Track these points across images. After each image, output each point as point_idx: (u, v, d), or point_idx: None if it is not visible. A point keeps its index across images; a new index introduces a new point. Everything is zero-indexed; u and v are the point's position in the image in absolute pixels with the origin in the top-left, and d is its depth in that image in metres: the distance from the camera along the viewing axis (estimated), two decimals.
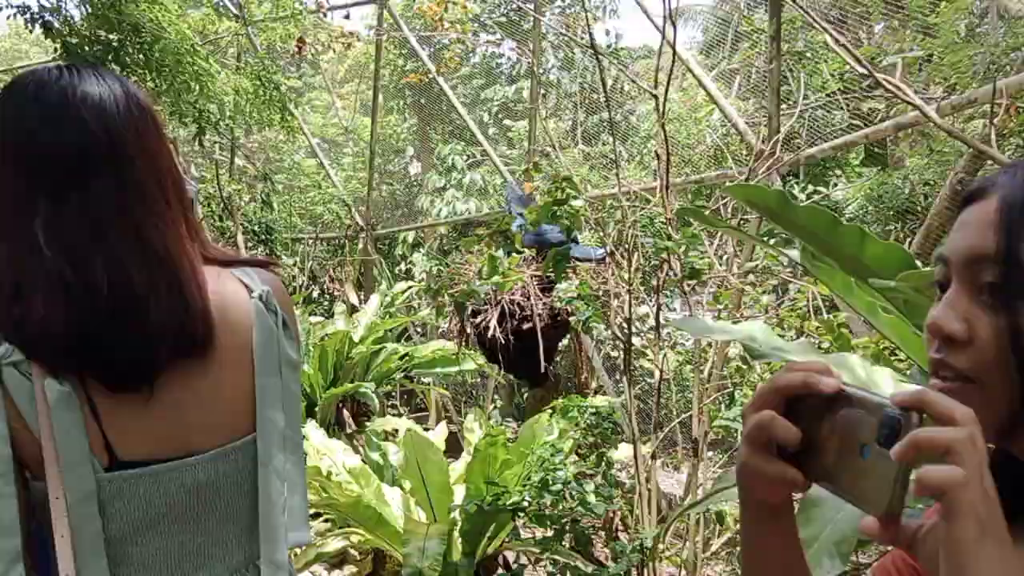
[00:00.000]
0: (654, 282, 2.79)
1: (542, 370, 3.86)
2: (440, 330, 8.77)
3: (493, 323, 3.62)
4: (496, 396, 9.41)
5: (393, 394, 6.71)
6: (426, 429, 5.87)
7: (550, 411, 3.21)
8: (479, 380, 9.25)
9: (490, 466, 2.82)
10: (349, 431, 5.27)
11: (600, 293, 2.70)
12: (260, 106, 8.24)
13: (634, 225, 2.66)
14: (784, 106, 5.24)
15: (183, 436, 1.05)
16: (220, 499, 1.09)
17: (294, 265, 8.10)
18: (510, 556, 3.53)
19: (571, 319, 3.39)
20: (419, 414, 7.35)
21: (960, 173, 5.83)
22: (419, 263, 10.31)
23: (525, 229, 3.95)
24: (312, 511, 3.07)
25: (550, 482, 2.70)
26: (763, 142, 4.89)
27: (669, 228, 2.42)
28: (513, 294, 3.73)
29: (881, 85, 2.64)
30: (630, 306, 2.63)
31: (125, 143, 1.01)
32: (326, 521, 3.46)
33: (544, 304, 3.70)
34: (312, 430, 3.90)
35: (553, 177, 2.43)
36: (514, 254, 3.06)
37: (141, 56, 6.17)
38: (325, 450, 3.64)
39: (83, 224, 0.98)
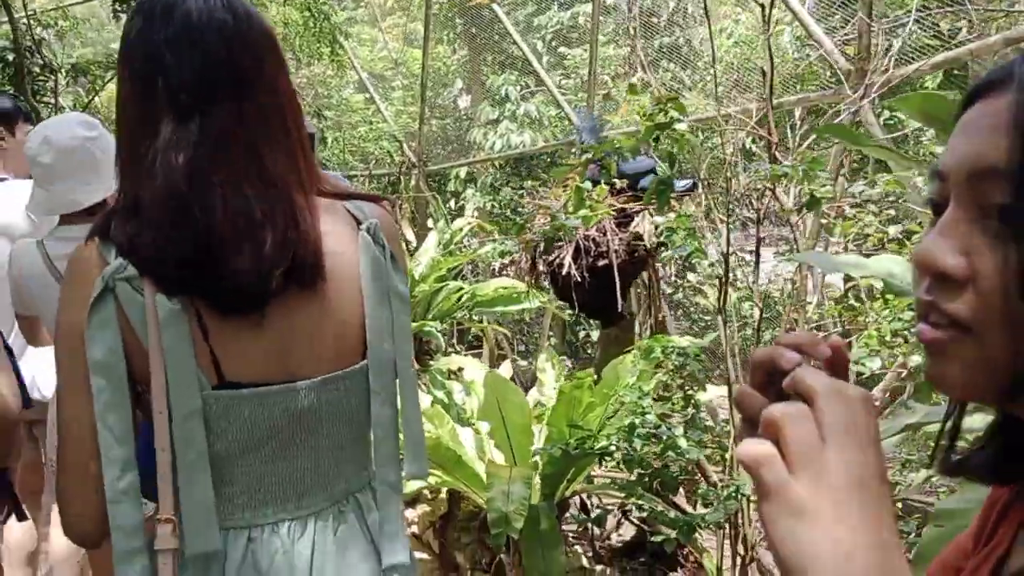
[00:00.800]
0: (749, 213, 2.59)
1: (619, 308, 3.71)
2: (494, 267, 8.67)
3: (568, 260, 3.46)
4: (551, 334, 9.34)
5: (452, 333, 6.65)
6: (491, 367, 5.81)
7: (634, 351, 3.07)
8: (535, 318, 9.17)
9: (574, 409, 2.71)
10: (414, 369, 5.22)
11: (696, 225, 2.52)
12: (310, 39, 8.06)
13: (734, 151, 2.45)
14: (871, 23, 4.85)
15: (291, 362, 1.05)
16: (323, 427, 1.09)
17: None
18: (587, 500, 3.45)
19: (663, 254, 3.22)
20: (473, 351, 7.30)
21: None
22: (471, 199, 10.15)
23: (600, 166, 3.74)
24: None
25: (638, 425, 2.58)
26: (854, 60, 4.55)
27: (775, 152, 2.22)
28: (588, 229, 3.56)
29: None
30: (727, 240, 2.44)
31: (247, 68, 1.02)
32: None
33: (621, 240, 3.53)
34: None
35: (657, 98, 2.22)
36: (602, 185, 2.86)
37: None
38: None
39: (203, 145, 0.98)
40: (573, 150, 8.03)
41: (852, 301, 2.38)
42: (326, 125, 8.53)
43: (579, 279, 3.44)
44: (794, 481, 0.44)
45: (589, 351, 10.55)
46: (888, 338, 1.96)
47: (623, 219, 3.65)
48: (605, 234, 3.56)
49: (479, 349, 9.23)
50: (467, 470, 2.98)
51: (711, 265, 2.48)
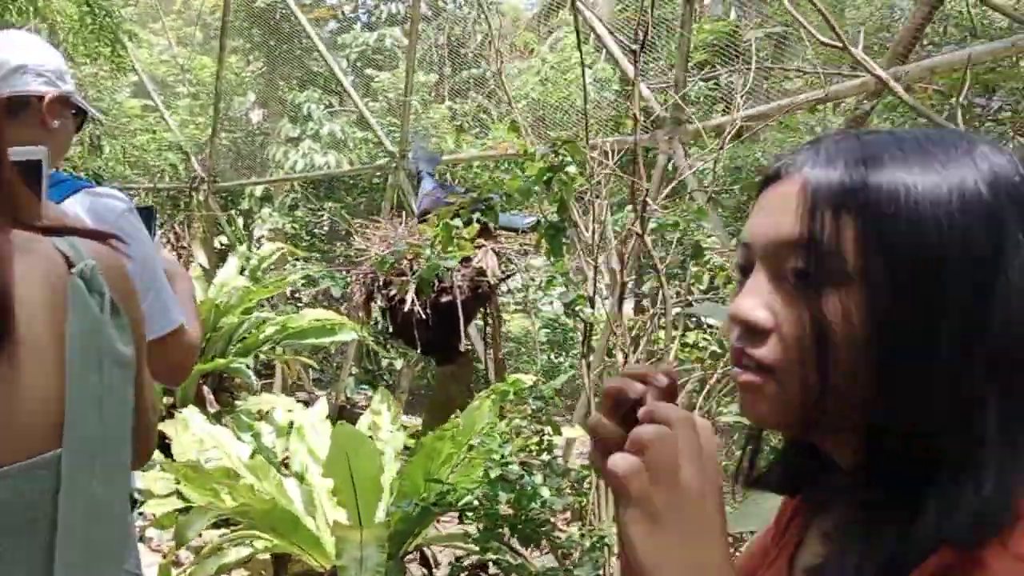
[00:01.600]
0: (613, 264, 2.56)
1: (460, 346, 3.55)
2: (298, 294, 8.17)
3: (411, 296, 3.25)
4: (353, 365, 8.96)
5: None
6: (300, 403, 5.39)
7: (486, 395, 2.92)
8: (338, 347, 8.75)
9: (433, 461, 2.50)
10: (213, 411, 4.70)
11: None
12: (87, 36, 7.18)
13: (601, 192, 2.40)
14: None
15: None
16: (13, 526, 0.84)
17: None
18: (433, 553, 3.24)
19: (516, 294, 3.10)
20: (263, 380, 6.78)
21: None
22: (268, 220, 9.53)
23: (439, 195, 3.59)
24: (215, 518, 2.61)
25: (501, 476, 2.43)
26: (670, 108, 4.78)
27: (645, 198, 2.19)
28: (417, 256, 3.38)
29: (852, 56, 2.52)
30: (594, 283, 2.38)
31: None
32: (216, 526, 2.99)
33: (463, 275, 3.38)
34: (192, 415, 3.38)
35: (554, 139, 2.10)
36: (475, 223, 2.69)
37: None
38: (213, 441, 3.15)
39: None
40: (379, 174, 7.79)
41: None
42: (102, 131, 7.60)
43: (422, 316, 3.24)
44: (654, 492, 0.53)
45: (390, 379, 10.28)
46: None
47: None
48: (448, 269, 3.39)
49: (269, 379, 8.63)
50: (302, 532, 2.67)
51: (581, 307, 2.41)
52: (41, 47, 1.58)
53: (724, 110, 5.61)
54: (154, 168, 9.10)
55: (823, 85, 4.06)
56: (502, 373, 3.62)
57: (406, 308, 3.24)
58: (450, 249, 2.22)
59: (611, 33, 5.02)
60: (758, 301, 0.57)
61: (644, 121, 6.25)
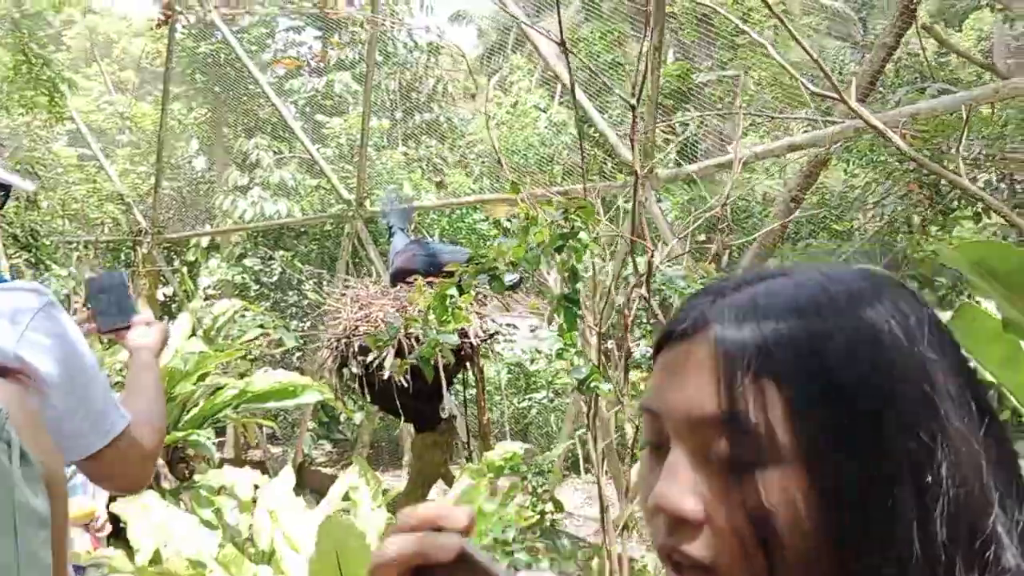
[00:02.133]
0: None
1: (441, 412, 3.35)
2: (250, 354, 7.82)
3: (389, 360, 3.04)
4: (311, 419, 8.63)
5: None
6: (256, 466, 5.07)
7: (475, 467, 2.72)
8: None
9: None
10: (169, 487, 4.37)
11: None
12: (22, 86, 6.84)
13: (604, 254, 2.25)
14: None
15: None
16: None
17: (68, 276, 6.78)
18: None
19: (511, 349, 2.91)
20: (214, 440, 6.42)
21: (794, 190, 6.05)
22: (216, 271, 9.17)
23: (415, 252, 3.41)
24: None
25: (515, 567, 2.22)
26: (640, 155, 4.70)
27: (656, 264, 2.05)
28: (409, 327, 3.18)
29: (846, 104, 2.44)
30: (599, 350, 2.22)
31: None
32: None
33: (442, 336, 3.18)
34: (151, 500, 3.08)
35: (565, 203, 1.94)
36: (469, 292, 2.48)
37: None
38: (174, 528, 2.87)
39: None
40: (331, 222, 7.55)
41: None
42: (40, 185, 7.22)
43: (404, 383, 3.03)
44: None
45: (348, 433, 9.92)
46: None
47: None
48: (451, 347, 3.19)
49: (220, 439, 8.22)
50: None
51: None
52: None
53: (680, 154, 5.60)
54: (94, 220, 8.69)
55: (782, 129, 4.03)
56: (488, 439, 3.42)
57: (385, 376, 3.03)
58: (445, 319, 2.04)
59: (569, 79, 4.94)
60: (684, 488, 0.50)
61: (610, 167, 6.19)
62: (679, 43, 9.73)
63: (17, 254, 6.81)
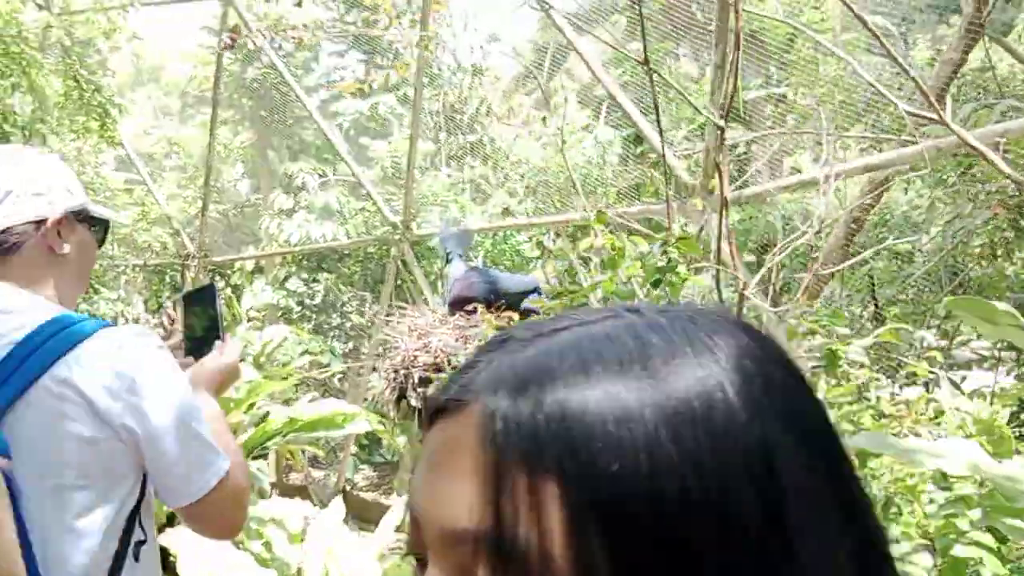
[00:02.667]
0: None
1: None
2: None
3: None
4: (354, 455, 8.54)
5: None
6: (299, 490, 4.97)
7: None
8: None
9: None
10: None
11: None
12: (75, 111, 6.92)
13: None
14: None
15: None
16: None
17: (118, 299, 6.80)
18: None
19: None
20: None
21: (855, 211, 5.82)
22: (260, 294, 9.18)
23: (474, 280, 3.29)
24: None
25: None
26: (699, 176, 4.55)
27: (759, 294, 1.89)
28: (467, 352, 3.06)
29: (943, 123, 2.27)
30: None
31: None
32: None
33: None
34: (195, 546, 2.98)
35: (667, 236, 1.79)
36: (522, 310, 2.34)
37: None
38: (228, 566, 2.77)
39: None
40: (372, 247, 7.46)
41: None
42: None
43: None
44: None
45: (388, 456, 9.82)
46: None
47: None
48: None
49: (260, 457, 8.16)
50: None
51: None
52: (33, 161, 1.29)
53: (739, 174, 5.41)
54: (142, 244, 8.76)
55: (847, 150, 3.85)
56: None
57: None
58: None
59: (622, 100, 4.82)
60: None
61: (670, 189, 6.04)
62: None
63: None
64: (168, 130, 11.07)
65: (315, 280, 9.28)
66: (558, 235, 7.77)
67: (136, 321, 7.80)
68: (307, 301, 9.74)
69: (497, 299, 3.22)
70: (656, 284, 1.64)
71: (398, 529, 3.85)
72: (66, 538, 1.09)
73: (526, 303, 3.20)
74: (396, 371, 3.09)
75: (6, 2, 5.86)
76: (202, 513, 1.17)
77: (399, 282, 7.36)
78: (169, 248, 8.95)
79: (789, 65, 8.24)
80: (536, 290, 3.22)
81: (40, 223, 1.22)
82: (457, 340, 3.12)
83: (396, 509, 3.61)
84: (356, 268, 9.92)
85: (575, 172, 7.84)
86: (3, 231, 1.19)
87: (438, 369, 3.02)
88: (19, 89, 6.25)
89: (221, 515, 1.21)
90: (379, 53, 11.13)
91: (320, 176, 8.81)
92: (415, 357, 3.11)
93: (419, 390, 3.01)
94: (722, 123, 2.06)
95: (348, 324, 9.53)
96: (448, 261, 3.49)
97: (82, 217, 1.28)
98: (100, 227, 1.35)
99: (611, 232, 1.83)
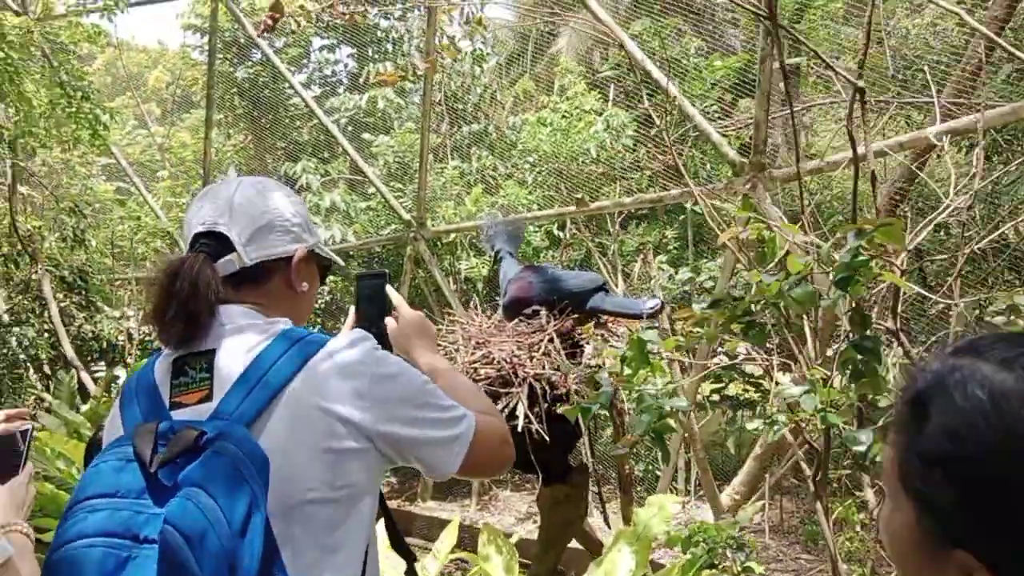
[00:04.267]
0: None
1: (573, 461, 2.92)
2: None
3: (523, 409, 2.61)
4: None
5: None
6: None
7: (632, 539, 2.27)
8: None
9: None
10: None
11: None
12: (64, 119, 6.54)
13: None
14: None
15: None
16: None
17: (121, 317, 6.45)
18: None
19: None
20: None
21: (898, 183, 5.51)
22: None
23: (531, 280, 2.98)
24: None
25: None
26: (751, 153, 4.23)
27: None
28: (534, 365, 2.75)
29: None
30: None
31: None
32: None
33: (577, 376, 2.75)
34: None
35: (855, 226, 1.46)
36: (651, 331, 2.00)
37: None
38: None
39: None
40: (378, 247, 7.10)
41: None
42: (88, 224, 6.91)
43: (538, 433, 2.60)
44: None
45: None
46: None
47: (570, 347, 2.89)
48: (559, 369, 2.76)
49: None
50: None
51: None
52: (282, 195, 1.32)
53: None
54: (138, 256, 8.40)
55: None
56: (630, 491, 2.97)
57: (518, 424, 2.59)
58: (638, 371, 1.59)
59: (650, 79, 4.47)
60: None
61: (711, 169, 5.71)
62: (739, 36, 9.24)
63: (66, 297, 6.50)
64: (159, 136, 10.65)
65: (321, 284, 8.94)
66: (574, 224, 7.45)
67: (130, 338, 7.46)
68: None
69: (559, 300, 2.91)
70: (844, 284, 1.32)
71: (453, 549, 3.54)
72: (318, 556, 1.10)
73: (592, 302, 2.89)
74: None
75: None
76: (471, 468, 1.21)
77: (412, 281, 7.04)
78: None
79: (803, 37, 7.89)
80: (603, 287, 2.90)
81: (288, 260, 1.25)
82: (520, 349, 2.81)
83: (452, 531, 3.31)
84: (363, 270, 9.57)
85: (593, 157, 7.51)
86: (257, 264, 1.22)
87: (506, 383, 2.71)
88: (7, 99, 5.89)
89: (487, 463, 1.25)
90: (370, 46, 10.75)
91: (322, 176, 8.44)
92: (475, 370, 2.79)
93: None
94: (860, 83, 1.74)
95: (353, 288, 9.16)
96: (498, 260, 3.17)
97: (313, 257, 1.32)
98: (325, 266, 1.38)
99: (757, 220, 1.51)
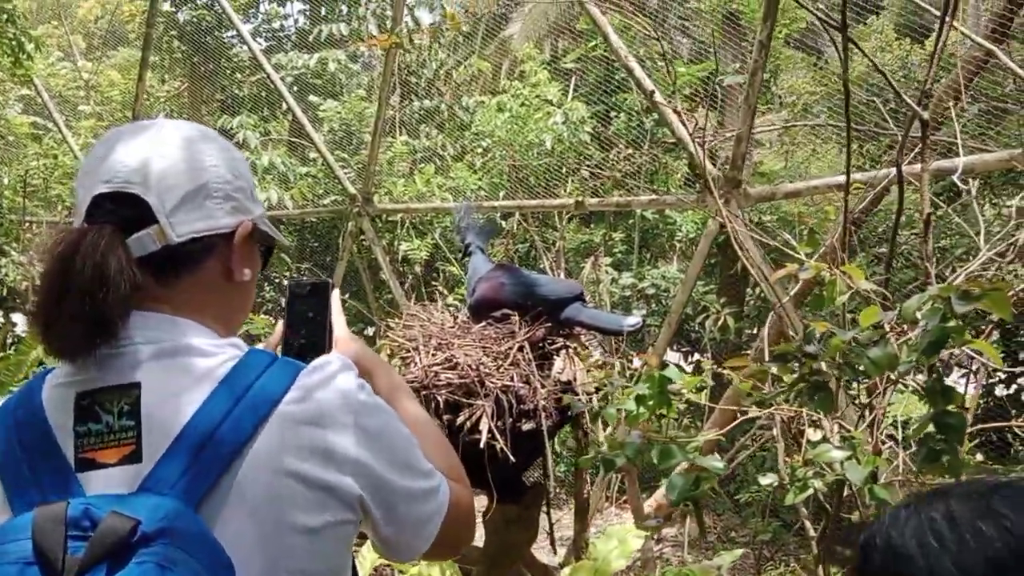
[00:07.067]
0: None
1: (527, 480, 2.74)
2: None
3: (486, 424, 2.40)
4: None
5: None
6: None
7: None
8: None
9: None
10: None
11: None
12: None
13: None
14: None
15: None
16: None
17: (29, 263, 5.94)
18: None
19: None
20: None
21: (853, 214, 5.53)
22: None
23: (503, 280, 2.77)
24: None
25: None
26: (724, 166, 4.12)
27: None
28: (502, 376, 2.54)
29: None
30: (876, 445, 1.61)
31: None
32: None
33: (547, 391, 2.56)
34: None
35: (972, 284, 1.29)
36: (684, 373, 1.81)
37: None
38: None
39: None
40: (314, 218, 6.69)
41: None
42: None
43: (501, 451, 2.41)
44: None
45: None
46: None
47: (538, 358, 2.70)
48: (528, 382, 2.57)
49: None
50: None
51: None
52: (220, 144, 0.96)
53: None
54: (52, 197, 7.78)
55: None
56: (587, 518, 2.80)
57: (481, 439, 2.39)
58: (651, 409, 1.41)
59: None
60: None
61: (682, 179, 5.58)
62: (699, 43, 9.17)
63: None
64: (86, 72, 9.92)
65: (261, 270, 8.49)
66: (521, 216, 7.26)
67: (35, 286, 6.84)
68: None
69: (532, 306, 2.72)
70: (934, 350, 1.14)
71: None
72: None
73: (568, 312, 2.70)
74: (414, 391, 2.54)
75: None
76: (432, 551, 0.97)
77: (350, 261, 6.72)
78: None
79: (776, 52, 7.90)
80: (580, 297, 2.72)
81: (227, 237, 0.93)
82: (487, 356, 2.60)
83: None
84: (293, 239, 9.16)
85: (548, 149, 7.32)
86: (191, 240, 0.89)
87: (469, 393, 2.50)
88: None
89: (451, 545, 1.02)
90: (324, 4, 10.25)
91: (262, 135, 7.98)
92: (436, 374, 2.57)
93: (444, 417, 2.48)
94: (925, 115, 1.60)
95: (283, 299, 8.78)
96: (467, 254, 2.95)
97: (256, 234, 0.98)
98: (266, 249, 1.04)
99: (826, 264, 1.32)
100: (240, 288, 0.97)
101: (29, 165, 7.45)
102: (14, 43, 5.62)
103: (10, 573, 0.72)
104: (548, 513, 2.95)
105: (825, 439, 1.40)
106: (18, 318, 7.46)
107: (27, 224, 7.22)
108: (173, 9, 8.73)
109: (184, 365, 0.85)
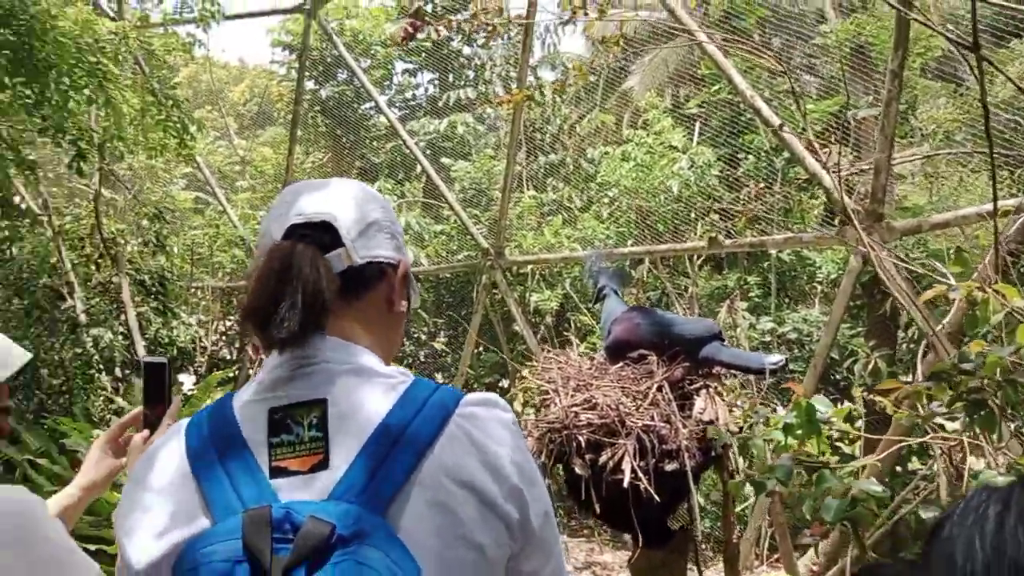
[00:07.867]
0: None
1: (671, 524, 2.70)
2: None
3: (628, 464, 2.40)
4: None
5: None
6: None
7: None
8: None
9: None
10: None
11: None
12: (153, 127, 6.61)
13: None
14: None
15: None
16: None
17: (198, 324, 6.45)
18: None
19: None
20: None
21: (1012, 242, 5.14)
22: None
23: (638, 321, 2.78)
24: None
25: None
26: (863, 200, 3.99)
27: None
28: (643, 416, 2.54)
29: None
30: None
31: None
32: None
33: (689, 431, 2.53)
34: None
35: None
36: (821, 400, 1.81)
37: (6, 52, 4.59)
38: None
39: None
40: (448, 273, 6.93)
41: None
42: (171, 230, 6.98)
43: (645, 491, 2.38)
44: None
45: None
46: None
47: (679, 398, 2.67)
48: (669, 421, 2.55)
49: None
50: None
51: None
52: (380, 198, 1.09)
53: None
54: (215, 264, 8.46)
55: None
56: (736, 565, 2.72)
57: (624, 479, 2.38)
58: (820, 447, 1.38)
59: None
60: None
61: (824, 214, 5.44)
62: (826, 80, 8.93)
63: (144, 301, 6.53)
64: (241, 149, 10.82)
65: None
66: (651, 263, 7.22)
67: (204, 350, 7.49)
68: None
69: (669, 346, 2.71)
70: None
71: None
72: None
73: (706, 351, 2.68)
74: (553, 431, 2.58)
75: (79, 10, 5.56)
76: None
77: (484, 312, 6.89)
78: (246, 269, 8.64)
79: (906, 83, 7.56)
80: (718, 336, 2.69)
81: (393, 267, 1.03)
82: (626, 396, 2.61)
83: None
84: (429, 295, 9.49)
85: (675, 195, 7.28)
86: (368, 263, 0.99)
87: (610, 432, 2.51)
88: (95, 104, 5.98)
89: None
90: (452, 72, 10.77)
91: (399, 197, 8.40)
92: (576, 415, 2.60)
93: (586, 456, 2.49)
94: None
95: (422, 353, 9.09)
96: (600, 298, 2.99)
97: (407, 278, 1.07)
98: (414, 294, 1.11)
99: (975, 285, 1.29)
100: (396, 319, 1.05)
101: (194, 236, 8.16)
102: (179, 125, 6.22)
103: (222, 570, 0.79)
104: (697, 561, 2.88)
105: (988, 467, 1.32)
106: (184, 378, 8.05)
107: (193, 289, 7.88)
108: (316, 87, 9.41)
109: (368, 381, 0.93)
